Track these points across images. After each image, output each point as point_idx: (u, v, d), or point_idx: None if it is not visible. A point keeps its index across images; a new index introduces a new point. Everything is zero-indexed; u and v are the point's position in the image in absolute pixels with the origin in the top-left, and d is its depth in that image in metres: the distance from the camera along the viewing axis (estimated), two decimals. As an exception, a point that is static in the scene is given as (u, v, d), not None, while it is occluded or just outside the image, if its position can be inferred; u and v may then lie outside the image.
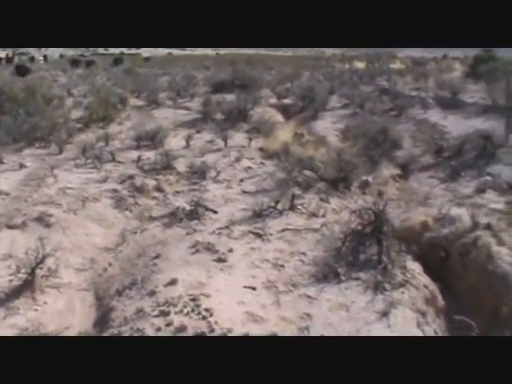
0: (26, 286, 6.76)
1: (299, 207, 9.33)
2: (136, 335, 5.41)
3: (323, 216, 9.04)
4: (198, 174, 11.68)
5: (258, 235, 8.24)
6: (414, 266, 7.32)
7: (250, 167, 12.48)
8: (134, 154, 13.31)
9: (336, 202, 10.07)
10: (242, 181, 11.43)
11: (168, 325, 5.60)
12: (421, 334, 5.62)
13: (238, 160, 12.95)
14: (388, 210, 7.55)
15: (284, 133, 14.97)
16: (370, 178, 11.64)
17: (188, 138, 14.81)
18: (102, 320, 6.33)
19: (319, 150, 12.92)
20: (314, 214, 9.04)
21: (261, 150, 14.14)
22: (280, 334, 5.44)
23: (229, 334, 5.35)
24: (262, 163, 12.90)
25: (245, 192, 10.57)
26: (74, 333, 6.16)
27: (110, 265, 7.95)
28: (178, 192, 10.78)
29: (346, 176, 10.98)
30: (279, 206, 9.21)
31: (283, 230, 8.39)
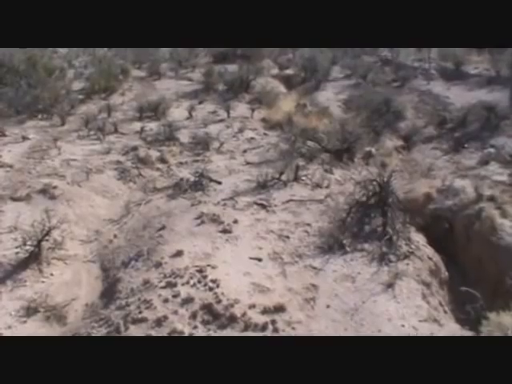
0: (33, 259, 6.75)
1: (303, 178, 9.39)
2: (144, 308, 5.43)
3: (327, 187, 9.08)
4: (201, 144, 11.63)
5: (263, 206, 8.27)
6: (418, 238, 7.30)
7: (253, 138, 12.39)
8: (137, 126, 13.16)
9: (340, 173, 10.06)
10: (245, 152, 11.39)
11: (175, 296, 5.60)
12: (426, 306, 5.65)
13: (241, 131, 12.87)
14: (392, 182, 7.65)
15: (287, 103, 14.76)
16: (373, 149, 11.56)
17: (190, 109, 14.61)
18: (109, 291, 6.33)
19: (322, 120, 12.78)
20: (318, 185, 9.12)
21: (263, 120, 14.02)
22: (286, 305, 5.46)
23: (236, 305, 5.39)
24: (265, 134, 12.80)
25: (248, 163, 10.56)
26: (80, 304, 6.18)
27: (116, 236, 7.91)
28: (181, 163, 10.75)
29: (349, 147, 10.92)
30: (283, 177, 9.23)
31: (288, 201, 8.44)
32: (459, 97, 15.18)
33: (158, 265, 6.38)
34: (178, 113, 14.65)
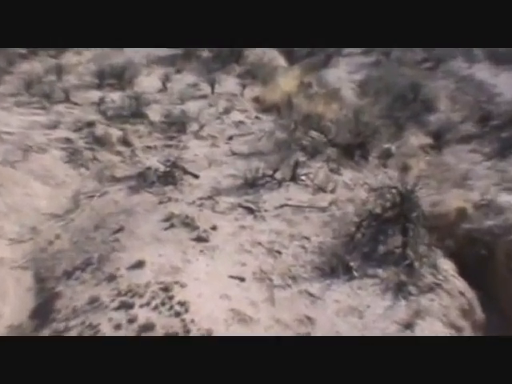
0: None
1: (303, 178, 9.46)
2: (89, 335, 5.33)
3: (333, 191, 9.12)
4: (176, 126, 11.64)
5: (250, 210, 8.31)
6: (448, 266, 7.25)
7: (241, 122, 12.42)
8: (95, 95, 13.08)
9: (350, 174, 10.07)
10: (231, 138, 11.44)
11: (131, 321, 5.46)
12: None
13: (227, 111, 12.88)
14: (417, 191, 7.53)
15: (287, 81, 14.83)
16: (393, 147, 11.60)
17: (165, 79, 14.60)
18: (44, 309, 6.19)
19: (331, 105, 12.80)
20: (321, 188, 9.16)
21: (256, 100, 14.03)
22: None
23: (208, 335, 5.35)
24: (257, 118, 12.82)
25: (234, 153, 10.61)
26: (3, 326, 5.97)
27: (58, 237, 7.80)
28: (149, 147, 10.78)
29: (363, 142, 10.95)
30: (278, 175, 9.27)
31: (282, 206, 8.46)
32: (510, 86, 15.08)
33: (112, 278, 6.28)
34: (148, 82, 14.62)
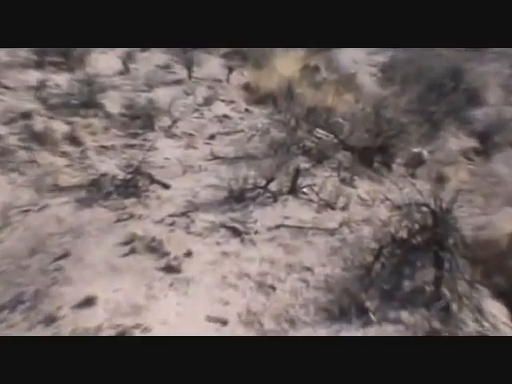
0: None
1: (305, 190, 9.48)
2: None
3: (344, 208, 9.14)
4: (142, 120, 11.71)
5: (236, 232, 8.29)
6: (497, 310, 7.08)
7: (227, 116, 12.55)
8: (33, 76, 13.07)
9: (367, 186, 10.22)
10: (212, 138, 11.59)
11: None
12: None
13: (208, 102, 12.97)
14: (456, 210, 7.44)
15: (287, 63, 14.87)
16: (425, 152, 11.68)
17: (127, 58, 14.67)
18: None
19: (343, 96, 12.92)
20: (329, 204, 9.17)
21: (247, 88, 14.20)
22: None
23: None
24: (247, 111, 12.96)
25: (217, 157, 10.76)
26: None
27: (-21, 264, 7.75)
28: (105, 148, 10.83)
29: (385, 144, 11.05)
30: (273, 186, 9.27)
31: (277, 227, 8.46)
32: None
33: (51, 320, 6.18)
34: (104, 62, 14.68)
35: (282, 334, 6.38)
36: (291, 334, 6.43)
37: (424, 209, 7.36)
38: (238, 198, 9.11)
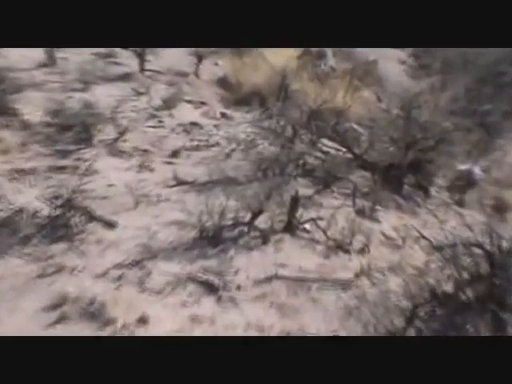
0: None
1: (307, 227, 8.83)
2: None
3: (363, 251, 8.52)
4: (75, 131, 10.90)
5: (211, 288, 7.51)
6: None
7: (196, 124, 11.76)
8: None
9: (395, 219, 9.65)
10: (176, 155, 10.80)
11: None
12: None
13: (168, 105, 12.16)
14: None
15: (279, 48, 14.30)
16: (477, 169, 10.80)
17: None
18: None
19: (360, 93, 12.29)
20: (340, 246, 8.54)
21: (223, 84, 13.41)
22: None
23: None
24: (224, 116, 12.25)
25: (183, 182, 9.96)
26: None
27: None
28: (22, 172, 9.78)
29: (419, 160, 10.23)
30: (261, 222, 8.66)
31: (269, 280, 7.73)
32: None
33: None
34: (20, 50, 13.90)
35: None
36: None
37: (476, 250, 6.83)
38: (212, 239, 8.31)
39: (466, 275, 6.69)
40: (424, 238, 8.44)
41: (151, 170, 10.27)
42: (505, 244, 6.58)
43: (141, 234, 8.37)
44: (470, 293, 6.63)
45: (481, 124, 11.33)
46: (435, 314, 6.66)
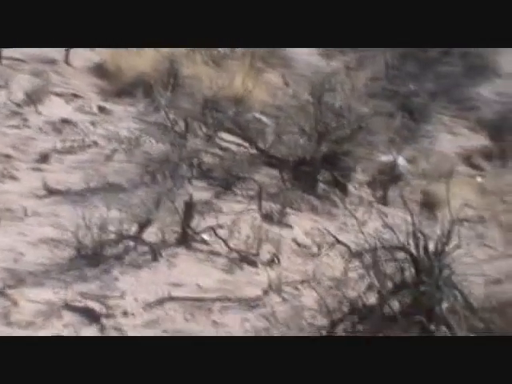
0: None
1: (205, 237, 8.33)
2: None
3: (271, 263, 8.06)
4: None
5: (91, 316, 6.93)
6: None
7: (68, 121, 10.97)
8: None
9: (308, 223, 9.32)
10: (45, 159, 9.99)
11: None
12: None
13: (33, 99, 11.41)
14: (454, 252, 6.38)
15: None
16: (401, 160, 10.81)
17: None
18: None
19: (262, 77, 12.47)
20: (245, 258, 8.07)
21: (100, 72, 12.99)
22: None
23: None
24: (102, 110, 11.72)
25: (54, 192, 9.16)
26: None
27: None
28: None
29: (334, 152, 9.99)
30: (150, 235, 7.93)
31: (161, 302, 7.21)
32: None
33: None
34: None
35: None
36: None
37: (400, 254, 6.63)
38: (92, 257, 7.56)
39: (389, 284, 6.34)
40: (340, 243, 7.89)
41: (15, 179, 9.35)
42: (433, 246, 6.27)
43: (3, 257, 7.49)
44: (394, 304, 6.29)
45: (404, 107, 11.08)
46: (356, 330, 6.39)
